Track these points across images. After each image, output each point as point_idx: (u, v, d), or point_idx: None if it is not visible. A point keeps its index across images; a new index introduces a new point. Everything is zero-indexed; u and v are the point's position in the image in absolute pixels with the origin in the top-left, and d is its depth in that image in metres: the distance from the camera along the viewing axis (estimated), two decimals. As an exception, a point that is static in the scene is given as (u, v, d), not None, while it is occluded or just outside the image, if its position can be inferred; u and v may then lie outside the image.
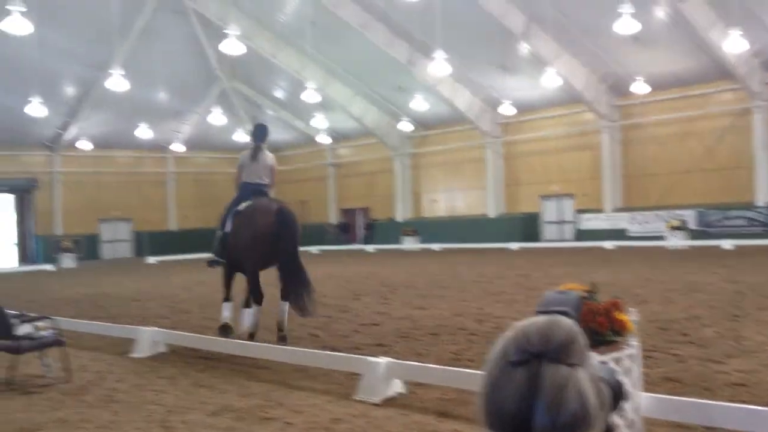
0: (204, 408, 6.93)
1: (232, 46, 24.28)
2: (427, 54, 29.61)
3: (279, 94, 41.03)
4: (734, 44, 24.00)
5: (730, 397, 6.19)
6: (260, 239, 10.02)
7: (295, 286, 10.20)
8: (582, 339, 1.27)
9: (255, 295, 10.31)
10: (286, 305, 10.24)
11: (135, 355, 9.87)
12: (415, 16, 27.88)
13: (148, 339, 9.96)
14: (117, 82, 26.74)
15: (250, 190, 10.64)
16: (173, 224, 44.72)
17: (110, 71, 28.65)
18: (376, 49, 32.00)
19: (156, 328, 10.32)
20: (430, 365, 7.38)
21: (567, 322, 1.28)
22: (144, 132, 36.74)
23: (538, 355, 1.20)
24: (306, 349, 8.70)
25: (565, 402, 1.16)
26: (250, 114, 43.62)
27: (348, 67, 35.82)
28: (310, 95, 31.69)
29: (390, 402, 6.82)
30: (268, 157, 10.83)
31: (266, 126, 11.49)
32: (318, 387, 7.56)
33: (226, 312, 10.53)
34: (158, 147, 43.00)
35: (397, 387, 7.04)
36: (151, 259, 35.07)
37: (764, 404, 5.72)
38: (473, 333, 10.20)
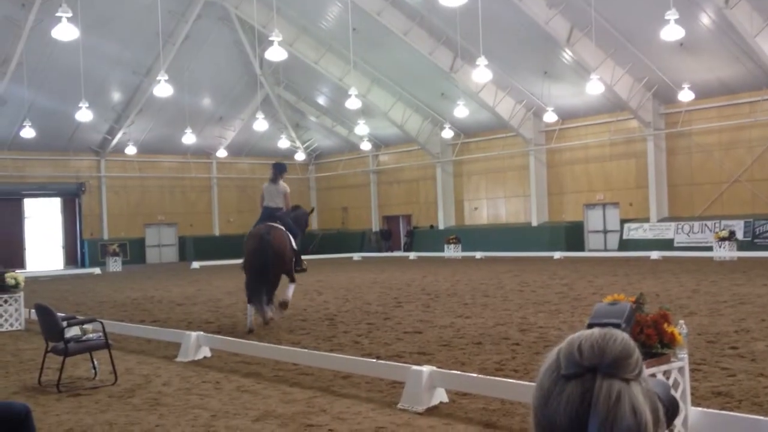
0: (248, 413, 6.99)
1: (275, 52, 24.49)
2: (469, 60, 29.54)
3: (321, 100, 41.30)
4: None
5: (783, 413, 6.04)
6: (248, 257, 12.95)
7: (264, 294, 12.82)
8: (637, 353, 1.24)
9: (248, 298, 12.88)
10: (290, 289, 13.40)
11: (180, 359, 9.99)
12: (457, 23, 27.83)
13: (193, 343, 10.07)
14: (162, 88, 27.16)
15: (266, 214, 13.54)
16: (216, 229, 45.21)
17: (156, 77, 29.13)
18: (418, 56, 32.02)
19: (201, 333, 10.43)
20: (474, 374, 7.34)
21: (622, 335, 1.25)
22: (188, 138, 37.26)
23: (592, 369, 1.18)
24: (349, 356, 8.72)
25: (620, 417, 1.14)
26: (292, 120, 44.00)
27: (390, 74, 35.92)
28: (352, 102, 31.84)
29: (433, 411, 6.80)
30: (282, 186, 13.70)
31: (284, 164, 14.39)
32: (361, 395, 7.57)
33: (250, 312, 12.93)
34: (202, 152, 43.57)
35: (440, 396, 7.02)
36: (195, 264, 35.49)
37: (819, 421, 5.58)
38: (517, 343, 10.12)
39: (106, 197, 41.64)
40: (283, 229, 13.26)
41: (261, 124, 37.31)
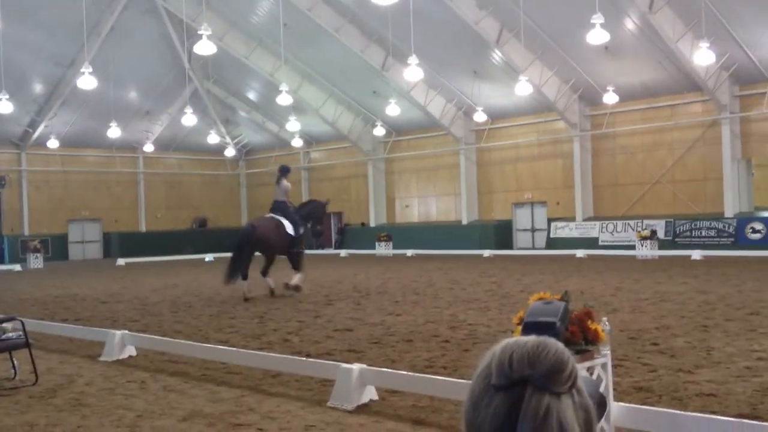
0: (174, 413, 6.87)
1: (204, 46, 24.09)
2: (401, 59, 29.66)
3: (252, 95, 40.87)
4: (703, 56, 24.33)
5: (701, 407, 6.25)
6: (239, 240, 16.81)
7: (239, 271, 16.48)
8: (571, 365, 1.19)
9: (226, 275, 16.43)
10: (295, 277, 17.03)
11: (104, 358, 9.75)
12: (389, 21, 27.92)
13: (118, 342, 9.85)
14: (87, 80, 26.42)
15: (274, 206, 17.28)
16: (143, 225, 44.28)
17: (80, 69, 28.34)
18: (350, 53, 32.00)
19: (126, 331, 10.20)
20: (403, 372, 7.38)
21: (555, 347, 1.19)
22: (114, 131, 36.35)
23: (522, 381, 1.14)
24: (278, 355, 8.66)
25: None
26: (222, 116, 43.41)
27: (322, 71, 35.78)
28: (284, 98, 31.60)
29: (363, 409, 6.80)
30: (284, 184, 17.36)
31: (287, 167, 17.99)
32: (291, 393, 7.52)
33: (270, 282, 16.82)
34: (128, 147, 42.58)
35: (370, 394, 7.03)
36: (121, 261, 34.69)
37: (734, 415, 5.79)
38: (447, 340, 10.21)
39: (27, 192, 40.33)
40: (277, 218, 16.82)
41: (189, 119, 36.65)
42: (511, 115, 34.80)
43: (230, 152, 44.92)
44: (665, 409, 5.69)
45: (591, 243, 30.92)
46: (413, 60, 25.47)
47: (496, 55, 30.19)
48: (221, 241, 42.59)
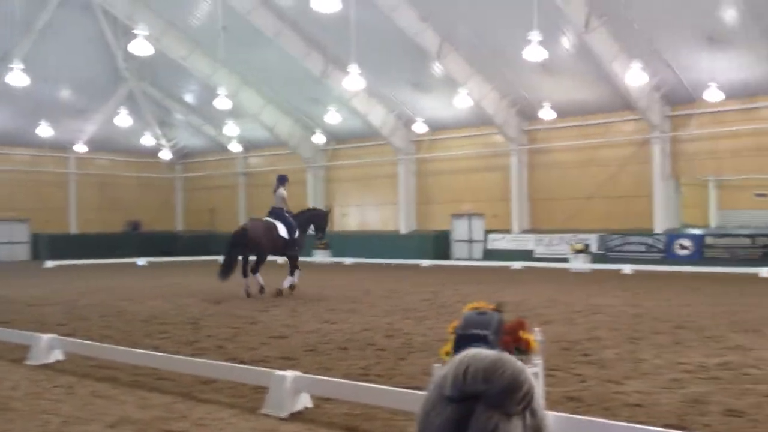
0: (102, 419, 6.69)
1: (141, 46, 23.68)
2: (341, 67, 29.68)
3: (189, 98, 40.29)
4: (635, 77, 25.03)
5: (628, 417, 6.38)
6: (231, 241, 18.34)
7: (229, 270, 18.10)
8: (528, 386, 1.15)
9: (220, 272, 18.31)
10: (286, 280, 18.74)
11: (30, 362, 9.45)
12: (330, 29, 27.94)
13: (45, 346, 9.56)
14: (17, 76, 25.70)
15: (270, 211, 19.05)
16: (74, 227, 43.16)
17: (10, 65, 27.55)
18: (290, 59, 31.85)
19: (53, 335, 9.91)
20: (338, 380, 7.35)
21: (513, 366, 1.16)
22: (44, 130, 35.38)
23: (475, 397, 1.12)
24: (211, 361, 8.52)
25: None
26: (158, 117, 42.69)
27: (261, 76, 35.49)
28: (221, 101, 31.25)
29: (297, 416, 6.74)
30: (279, 192, 19.09)
31: (284, 176, 19.76)
32: (224, 400, 7.41)
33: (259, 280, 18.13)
34: (59, 146, 41.46)
35: (304, 401, 6.98)
36: (50, 263, 33.72)
37: (661, 425, 5.93)
38: (382, 348, 10.21)
39: (-50, 190, 38.95)
40: (271, 221, 18.57)
41: (124, 120, 36.02)
42: (451, 127, 35.14)
43: (166, 155, 44.18)
44: (595, 419, 5.79)
45: (526, 255, 31.38)
46: (354, 69, 25.53)
47: (437, 68, 30.47)
48: (155, 245, 41.90)
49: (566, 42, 27.13)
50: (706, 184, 36.22)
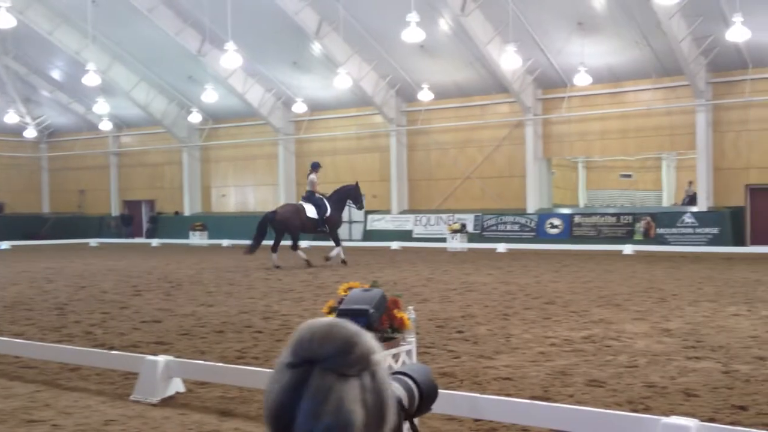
0: (-42, 413, 6.31)
1: (2, 18, 22.31)
2: (218, 45, 29.02)
3: (56, 74, 38.37)
4: (509, 60, 25.71)
5: (498, 390, 6.59)
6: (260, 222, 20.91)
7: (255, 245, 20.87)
8: (363, 348, 1.20)
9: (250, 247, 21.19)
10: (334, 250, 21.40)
11: None
12: (206, 5, 27.24)
13: None
14: None
15: (304, 195, 21.49)
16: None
17: None
18: (165, 36, 30.85)
19: None
20: (212, 363, 7.23)
21: (348, 329, 1.21)
22: None
23: (311, 361, 1.16)
24: (76, 347, 8.19)
25: (322, 415, 1.13)
26: (22, 94, 40.47)
27: (134, 52, 34.18)
28: (91, 78, 29.94)
29: (169, 402, 6.59)
30: (311, 177, 21.25)
31: (318, 163, 22.14)
32: (91, 387, 7.15)
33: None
34: None
35: (176, 386, 6.82)
36: None
37: (527, 397, 6.15)
38: (259, 330, 10.12)
39: None
40: (300, 204, 21.15)
41: (-14, 96, 33.88)
42: (331, 108, 35.05)
43: (31, 133, 41.94)
44: (464, 393, 5.93)
45: (405, 235, 31.81)
46: (231, 46, 25.03)
47: (316, 47, 30.27)
48: (20, 228, 39.85)
49: (444, 24, 27.53)
50: (575, 165, 37.78)
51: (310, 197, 21.05)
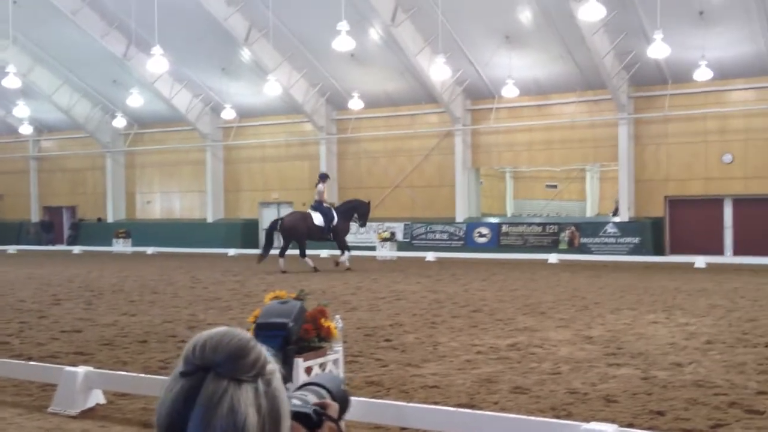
0: None
1: None
2: (144, 49, 28.48)
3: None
4: (439, 71, 25.99)
5: (424, 398, 6.62)
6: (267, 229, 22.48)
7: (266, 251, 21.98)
8: (257, 353, 1.20)
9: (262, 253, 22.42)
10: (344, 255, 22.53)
11: None
12: (132, 8, 26.71)
13: None
14: None
15: (312, 204, 22.76)
16: None
17: None
18: (89, 39, 30.11)
19: None
20: (134, 374, 7.07)
21: (241, 335, 1.22)
22: None
23: (205, 368, 1.16)
24: (-7, 359, 7.89)
25: (215, 420, 1.13)
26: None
27: (56, 55, 33.20)
28: (11, 80, 29.01)
29: (88, 414, 6.42)
30: (319, 187, 22.51)
31: (326, 174, 24.36)
32: (7, 399, 6.91)
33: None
34: None
35: (97, 398, 6.64)
36: None
37: (453, 405, 6.20)
38: (184, 340, 9.91)
39: None
40: (307, 212, 22.40)
41: None
42: (260, 115, 34.77)
43: (-54, 137, 40.33)
44: (390, 401, 5.95)
45: (335, 244, 31.65)
46: (157, 50, 24.60)
47: (245, 54, 30.01)
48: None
49: (374, 34, 27.64)
50: (503, 175, 38.39)
51: (318, 206, 22.27)
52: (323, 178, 22.99)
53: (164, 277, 20.01)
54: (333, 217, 22.13)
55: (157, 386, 6.38)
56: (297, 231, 21.79)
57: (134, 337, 10.26)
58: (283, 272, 20.98)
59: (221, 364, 1.16)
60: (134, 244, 34.24)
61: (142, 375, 6.94)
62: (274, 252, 22.21)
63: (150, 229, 36.41)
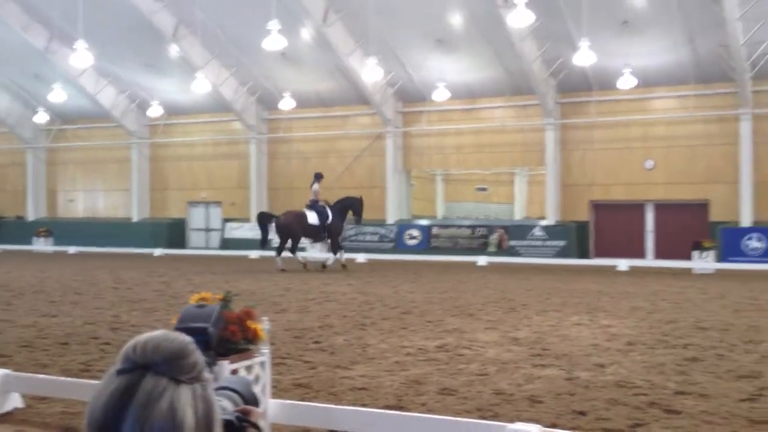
0: None
1: None
2: (68, 43, 27.73)
3: None
4: (371, 72, 26.04)
5: (353, 401, 6.61)
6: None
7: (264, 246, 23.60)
8: (196, 357, 1.23)
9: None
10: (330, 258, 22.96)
11: None
12: (55, 1, 25.98)
13: None
14: None
15: (308, 203, 22.81)
16: None
17: None
18: (10, 31, 29.18)
19: None
20: (54, 377, 6.85)
21: (182, 338, 1.24)
22: None
23: (145, 366, 1.17)
24: None
25: (153, 417, 1.13)
26: None
27: (-25, 47, 32.12)
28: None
29: (6, 418, 6.20)
30: (314, 186, 22.77)
31: (321, 174, 23.71)
32: None
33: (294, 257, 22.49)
34: None
35: (14, 401, 6.41)
36: None
37: (381, 407, 6.21)
38: (107, 342, 9.69)
39: None
40: (302, 211, 22.57)
41: None
42: (188, 112, 34.23)
43: None
44: (318, 404, 5.91)
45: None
46: (81, 45, 23.98)
47: (173, 50, 29.50)
48: None
49: (306, 33, 27.51)
50: (434, 178, 38.70)
51: (313, 205, 22.65)
52: (318, 177, 23.22)
53: (87, 278, 19.49)
54: (328, 216, 22.54)
55: (78, 389, 6.22)
56: (291, 230, 22.35)
57: (55, 338, 9.96)
58: (282, 270, 21.52)
59: (161, 364, 1.17)
60: (56, 243, 33.31)
61: (62, 378, 6.74)
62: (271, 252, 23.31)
63: (72, 227, 35.46)
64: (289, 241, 22.80)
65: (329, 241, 23.32)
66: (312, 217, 22.38)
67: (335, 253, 22.80)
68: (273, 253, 23.44)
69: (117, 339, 9.93)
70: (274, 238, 23.51)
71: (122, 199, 36.47)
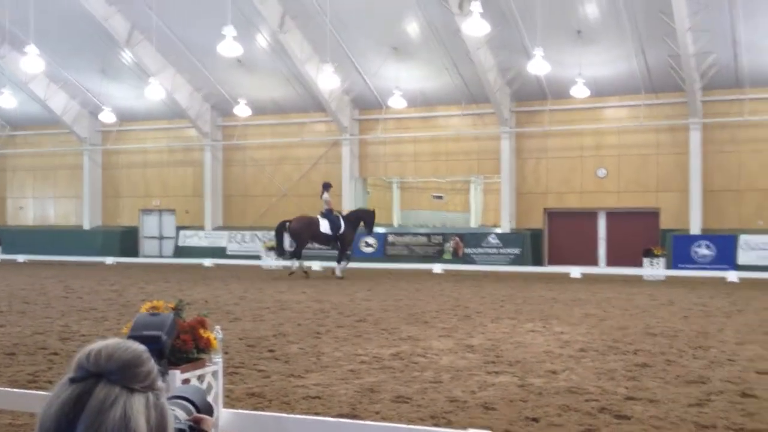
0: None
1: None
2: (18, 47, 27.18)
3: None
4: (327, 80, 26.00)
5: (306, 409, 6.58)
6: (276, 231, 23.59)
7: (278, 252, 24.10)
8: (150, 366, 1.22)
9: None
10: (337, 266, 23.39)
11: None
12: (6, 4, 25.47)
13: None
14: None
15: (322, 212, 23.27)
16: None
17: None
18: (-41, 34, 28.52)
19: None
20: (0, 388, 6.68)
21: (136, 347, 1.24)
22: None
23: (98, 375, 1.16)
24: None
25: (106, 425, 1.12)
26: None
27: None
28: None
29: (-54, 433, 6.01)
30: (325, 196, 23.31)
31: (329, 183, 24.25)
32: None
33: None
34: None
35: (-44, 416, 6.23)
36: None
37: (335, 415, 6.18)
38: (55, 352, 9.50)
39: None
40: (315, 217, 23.09)
41: None
42: (142, 119, 33.79)
43: None
44: (272, 413, 5.86)
45: (219, 252, 31.17)
46: (32, 49, 23.54)
47: (127, 56, 29.11)
48: None
49: (262, 40, 27.38)
50: (390, 186, 38.75)
51: (328, 214, 23.24)
52: (326, 187, 23.74)
53: (36, 287, 19.10)
54: (340, 225, 23.11)
55: (26, 401, 6.07)
56: (301, 235, 22.95)
57: (2, 349, 9.74)
58: (291, 273, 22.60)
59: (114, 372, 1.16)
60: (4, 252, 32.58)
61: (9, 389, 6.57)
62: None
63: (22, 235, 34.74)
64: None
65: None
66: (324, 226, 22.93)
67: (339, 262, 23.22)
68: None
69: (66, 349, 9.75)
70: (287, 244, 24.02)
71: (73, 207, 35.82)
